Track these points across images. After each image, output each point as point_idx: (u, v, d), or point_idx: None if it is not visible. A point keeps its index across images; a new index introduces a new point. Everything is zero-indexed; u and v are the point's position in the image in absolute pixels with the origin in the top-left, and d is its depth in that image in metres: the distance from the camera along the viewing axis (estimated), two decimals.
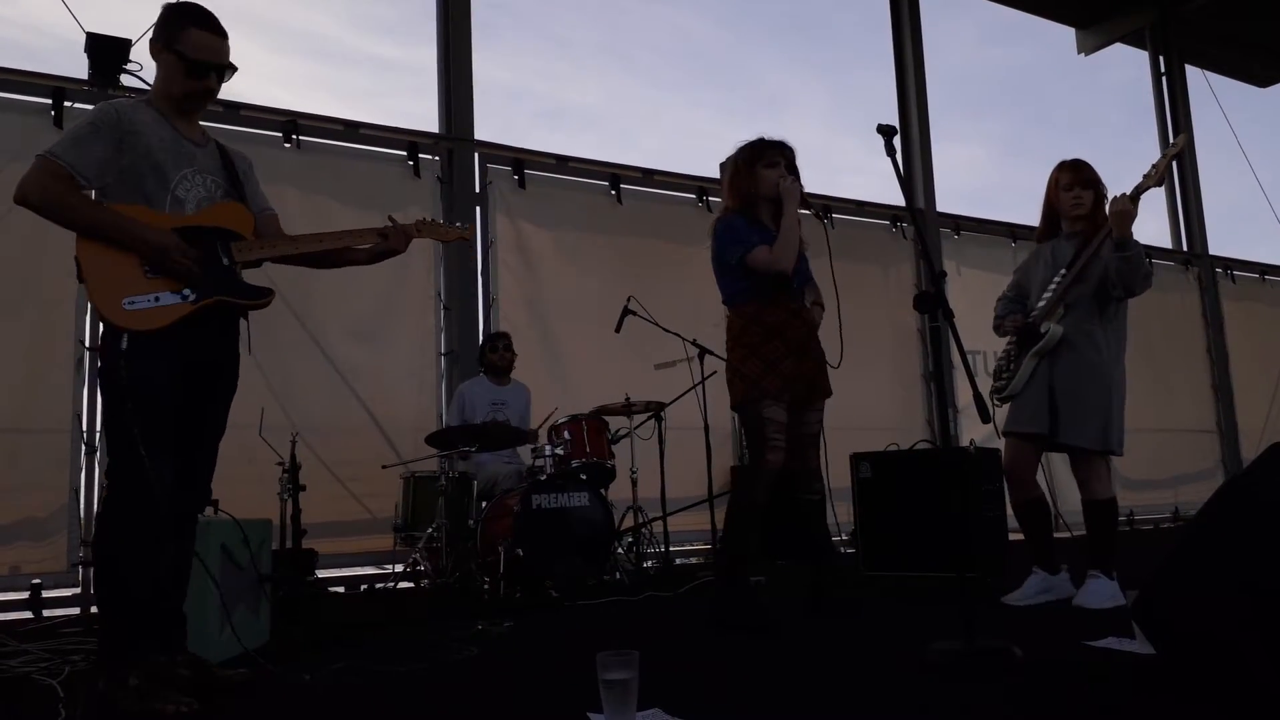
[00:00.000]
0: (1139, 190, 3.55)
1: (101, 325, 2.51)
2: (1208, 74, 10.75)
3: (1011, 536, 4.57)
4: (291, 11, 7.93)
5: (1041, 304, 3.84)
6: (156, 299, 2.49)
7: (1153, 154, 10.47)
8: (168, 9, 2.63)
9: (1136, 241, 3.59)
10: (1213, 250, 10.31)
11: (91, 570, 2.54)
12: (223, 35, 2.66)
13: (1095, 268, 3.71)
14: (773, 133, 3.66)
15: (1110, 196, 3.68)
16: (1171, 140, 3.65)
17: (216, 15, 2.67)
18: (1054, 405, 3.74)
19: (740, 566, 3.48)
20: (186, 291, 2.53)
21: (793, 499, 3.68)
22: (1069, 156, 3.95)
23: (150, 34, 2.65)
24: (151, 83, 2.68)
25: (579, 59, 9.62)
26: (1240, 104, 12.88)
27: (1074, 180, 3.84)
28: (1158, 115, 10.57)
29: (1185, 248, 10.26)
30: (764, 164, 3.56)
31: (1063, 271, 3.78)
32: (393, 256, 2.98)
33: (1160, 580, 2.21)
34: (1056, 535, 4.03)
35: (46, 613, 4.69)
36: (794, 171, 3.60)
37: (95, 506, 4.95)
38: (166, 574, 2.58)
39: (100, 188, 2.54)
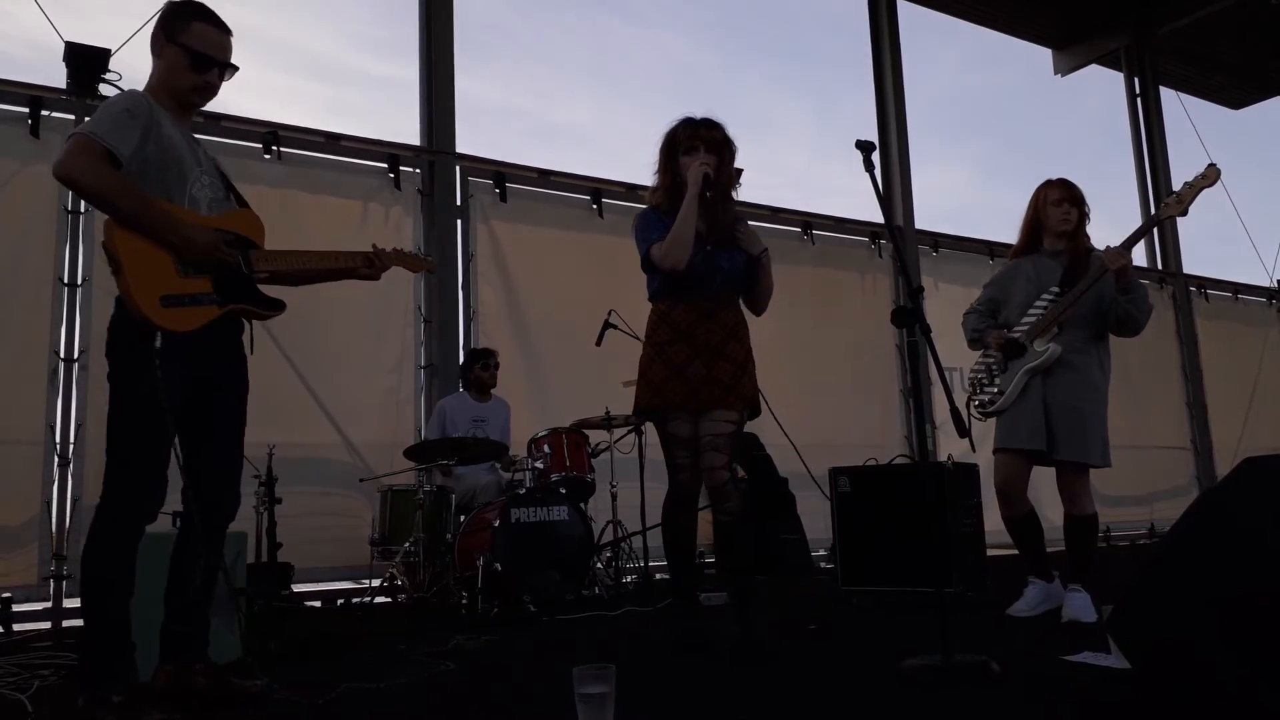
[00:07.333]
0: (1136, 237, 3.71)
1: (114, 323, 2.43)
2: (1181, 95, 10.92)
3: (990, 552, 4.60)
4: (293, 30, 7.96)
5: (1027, 321, 3.85)
6: (193, 299, 2.42)
7: (1129, 174, 10.60)
8: (171, 5, 2.55)
9: (1139, 283, 3.76)
10: (1187, 269, 10.45)
11: (79, 583, 2.45)
12: (227, 32, 2.61)
13: (1092, 292, 3.73)
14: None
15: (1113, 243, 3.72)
16: (1201, 171, 3.64)
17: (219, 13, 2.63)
18: (1049, 422, 3.76)
19: (681, 592, 3.43)
20: (215, 295, 2.48)
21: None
22: (1047, 177, 3.98)
23: (152, 30, 2.56)
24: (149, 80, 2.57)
25: (567, 79, 9.69)
26: (1213, 125, 13.13)
27: (1064, 196, 3.88)
28: (1133, 136, 10.71)
29: (1160, 266, 10.39)
30: (682, 151, 3.29)
31: (1054, 290, 3.80)
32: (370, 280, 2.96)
33: (1135, 594, 2.23)
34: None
35: (17, 626, 4.62)
36: (721, 149, 3.29)
37: (68, 520, 4.89)
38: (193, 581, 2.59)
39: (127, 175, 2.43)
